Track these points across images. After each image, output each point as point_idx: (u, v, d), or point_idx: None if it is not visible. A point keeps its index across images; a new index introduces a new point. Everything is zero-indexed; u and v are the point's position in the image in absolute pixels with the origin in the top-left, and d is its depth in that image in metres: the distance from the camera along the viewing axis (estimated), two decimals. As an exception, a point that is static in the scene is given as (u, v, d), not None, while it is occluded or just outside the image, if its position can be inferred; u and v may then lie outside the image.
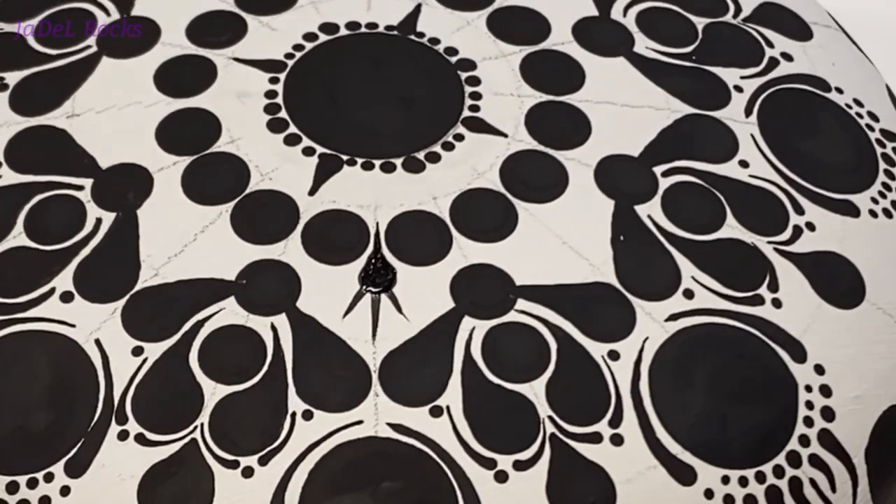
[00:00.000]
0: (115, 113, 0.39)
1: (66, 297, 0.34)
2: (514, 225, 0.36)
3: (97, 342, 0.33)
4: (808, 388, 0.33)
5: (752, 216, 0.36)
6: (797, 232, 0.36)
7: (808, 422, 0.33)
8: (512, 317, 0.33)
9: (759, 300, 0.34)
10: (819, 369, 0.33)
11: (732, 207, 0.36)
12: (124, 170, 0.37)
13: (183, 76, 0.40)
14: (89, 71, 0.40)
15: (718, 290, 0.34)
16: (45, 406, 0.32)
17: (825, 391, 0.33)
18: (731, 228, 0.36)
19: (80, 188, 0.37)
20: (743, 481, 0.32)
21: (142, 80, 0.40)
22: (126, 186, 0.37)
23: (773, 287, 0.34)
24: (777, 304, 0.34)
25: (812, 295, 0.35)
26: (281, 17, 0.42)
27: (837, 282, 0.36)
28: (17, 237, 0.35)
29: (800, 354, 0.33)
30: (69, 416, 0.32)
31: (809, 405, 0.33)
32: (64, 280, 0.35)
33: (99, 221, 0.36)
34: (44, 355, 0.33)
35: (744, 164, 0.37)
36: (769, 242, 0.36)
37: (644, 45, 0.41)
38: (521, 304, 0.33)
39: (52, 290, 0.34)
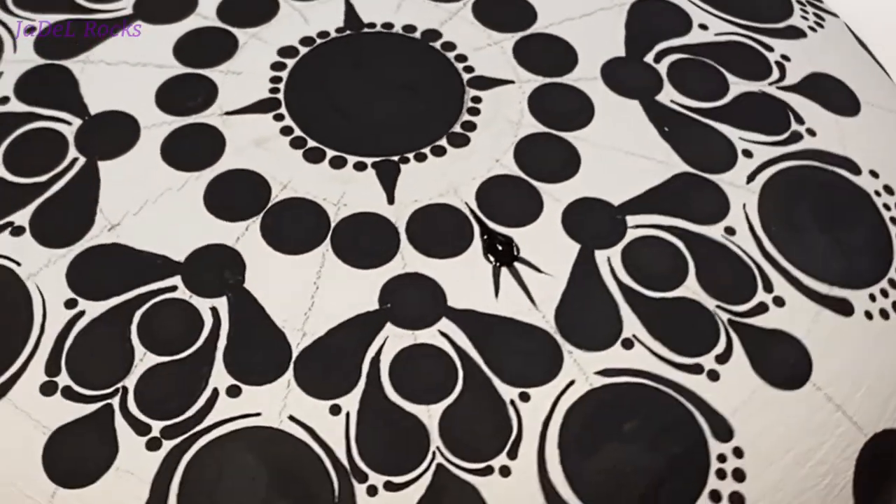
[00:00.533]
0: (125, 68, 0.39)
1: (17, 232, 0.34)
2: (469, 244, 0.35)
3: (37, 286, 0.33)
4: (721, 470, 0.31)
5: (717, 281, 0.34)
6: (761, 307, 0.34)
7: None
8: (431, 334, 0.32)
9: (697, 369, 0.33)
10: (738, 452, 0.31)
11: (698, 269, 0.34)
12: (113, 117, 0.38)
13: (202, 48, 0.40)
14: (117, 29, 0.40)
15: (657, 352, 0.33)
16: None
17: (738, 475, 0.31)
18: (688, 290, 0.34)
19: (68, 123, 0.37)
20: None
21: (162, 45, 0.40)
22: (108, 136, 0.37)
23: (717, 358, 0.33)
24: (714, 376, 0.32)
25: (755, 374, 0.33)
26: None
27: (785, 364, 0.33)
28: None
29: (723, 432, 0.32)
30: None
31: (716, 496, 0.31)
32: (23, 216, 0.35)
33: (74, 161, 0.36)
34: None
35: (730, 230, 0.35)
36: (726, 310, 0.33)
37: (667, 96, 0.39)
38: (444, 323, 0.32)
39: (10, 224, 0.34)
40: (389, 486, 0.31)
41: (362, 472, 0.31)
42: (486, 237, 0.35)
